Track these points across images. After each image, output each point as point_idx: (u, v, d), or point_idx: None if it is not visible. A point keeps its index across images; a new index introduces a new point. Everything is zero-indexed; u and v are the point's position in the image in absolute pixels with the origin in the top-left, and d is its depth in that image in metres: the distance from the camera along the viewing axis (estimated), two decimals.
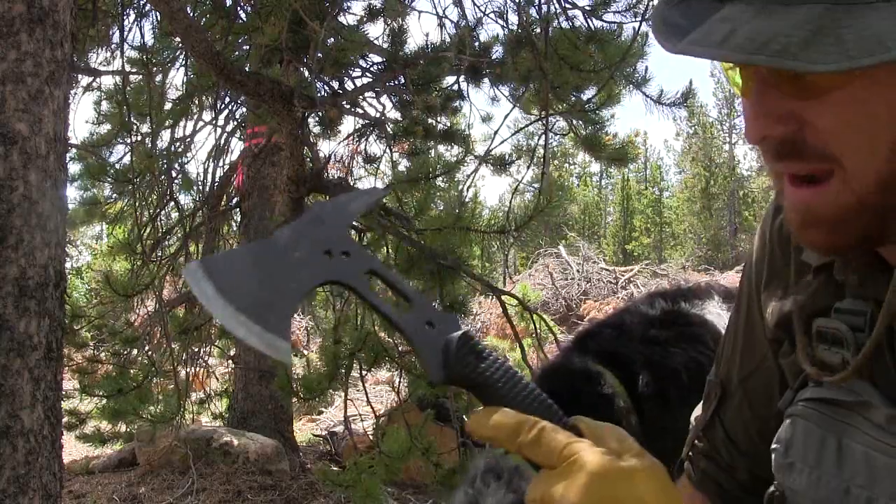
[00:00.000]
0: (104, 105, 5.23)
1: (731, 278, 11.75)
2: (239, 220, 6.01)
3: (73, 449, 5.52)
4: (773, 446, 0.75)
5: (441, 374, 0.62)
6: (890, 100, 0.57)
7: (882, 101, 0.57)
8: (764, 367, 0.85)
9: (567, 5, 3.91)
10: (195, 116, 5.15)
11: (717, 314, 1.93)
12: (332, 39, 3.89)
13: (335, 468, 5.34)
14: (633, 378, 1.69)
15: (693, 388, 1.79)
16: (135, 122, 4.73)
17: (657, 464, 0.63)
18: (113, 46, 4.64)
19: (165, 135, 5.10)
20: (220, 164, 5.46)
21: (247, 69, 3.95)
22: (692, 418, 0.98)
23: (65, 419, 4.13)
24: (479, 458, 1.19)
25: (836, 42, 0.50)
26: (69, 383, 4.61)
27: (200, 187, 5.25)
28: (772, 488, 0.74)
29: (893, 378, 0.67)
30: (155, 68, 4.77)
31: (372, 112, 4.64)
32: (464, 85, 4.29)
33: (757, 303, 0.86)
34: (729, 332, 0.94)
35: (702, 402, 0.96)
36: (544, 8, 3.89)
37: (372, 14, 4.45)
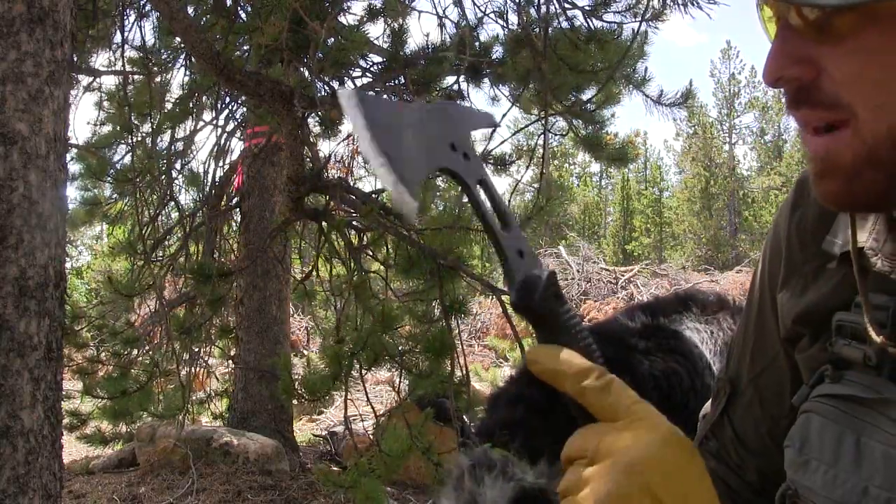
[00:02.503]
0: (105, 105, 5.23)
1: (731, 278, 11.76)
2: (239, 220, 6.01)
3: (73, 449, 5.52)
4: (787, 443, 0.73)
5: (525, 299, 0.63)
6: None
7: (892, 52, 0.57)
8: (776, 366, 0.85)
9: (567, 5, 3.91)
10: (195, 116, 5.15)
11: (694, 328, 1.96)
12: (332, 39, 3.89)
13: (335, 468, 5.34)
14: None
15: (668, 395, 1.82)
16: (135, 122, 4.73)
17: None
18: (114, 47, 4.64)
19: (166, 135, 5.11)
20: (221, 164, 5.47)
21: (247, 69, 3.95)
22: (700, 416, 0.97)
23: (65, 420, 4.13)
24: (461, 456, 1.15)
25: None
26: (69, 384, 4.61)
27: (200, 187, 5.25)
28: (784, 486, 0.72)
29: None
30: (155, 68, 4.77)
31: None
32: (464, 85, 4.29)
33: (771, 301, 0.85)
34: (740, 329, 0.92)
35: (710, 400, 0.95)
36: (544, 8, 3.89)
37: (372, 14, 4.45)
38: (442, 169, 0.64)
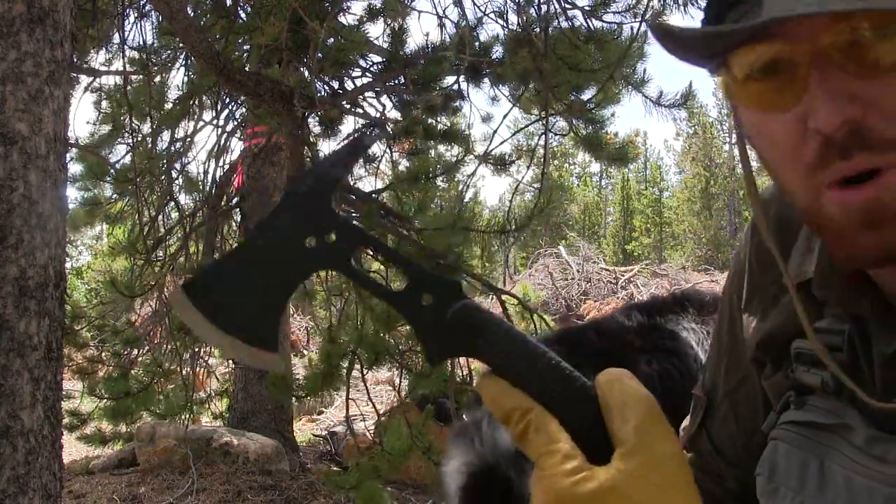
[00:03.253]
0: (104, 105, 5.23)
1: None
2: (239, 220, 6.01)
3: (73, 449, 5.52)
4: (758, 471, 0.74)
5: (436, 352, 0.59)
6: None
7: None
8: (749, 382, 0.84)
9: (567, 5, 3.91)
10: (195, 116, 5.15)
11: (691, 329, 1.96)
12: (332, 39, 3.89)
13: (336, 469, 5.34)
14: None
15: (662, 397, 1.83)
16: (135, 122, 4.73)
17: (658, 462, 0.53)
18: (113, 46, 4.65)
19: (166, 135, 5.10)
20: (221, 164, 5.47)
21: (247, 69, 3.95)
22: (680, 429, 0.97)
23: (65, 420, 4.13)
24: (467, 413, 1.16)
25: None
26: (70, 384, 4.61)
27: (200, 187, 5.25)
28: None
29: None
30: (155, 68, 4.77)
31: (372, 112, 4.65)
32: (464, 85, 4.29)
33: (739, 320, 0.85)
34: (713, 345, 0.92)
35: (690, 412, 0.96)
36: (544, 8, 3.89)
37: (372, 14, 4.45)
38: (306, 277, 0.61)
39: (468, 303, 0.59)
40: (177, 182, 5.09)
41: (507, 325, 0.59)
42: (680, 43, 0.58)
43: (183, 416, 4.04)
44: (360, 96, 4.58)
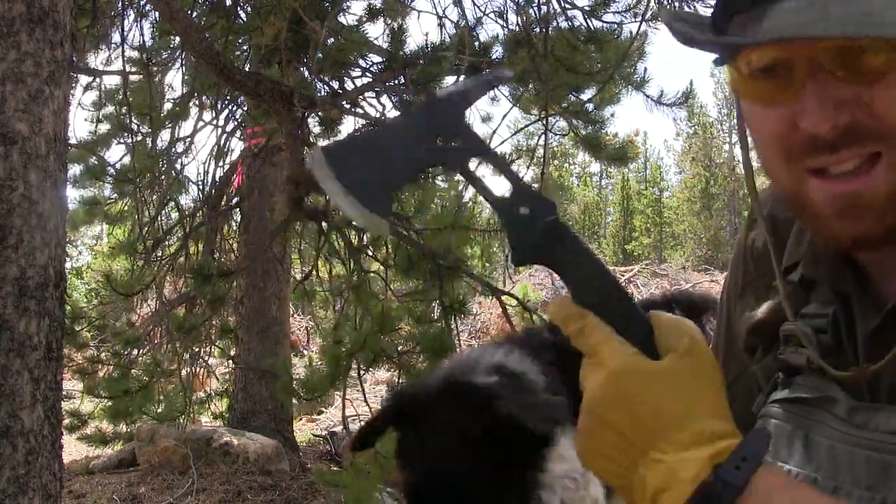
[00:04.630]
0: (104, 105, 5.23)
1: None
2: (239, 220, 6.01)
3: (73, 449, 5.51)
4: None
5: (520, 256, 0.66)
6: None
7: None
8: (746, 375, 0.88)
9: (566, 5, 3.91)
10: (195, 116, 5.15)
11: None
12: (332, 39, 3.89)
13: (335, 468, 5.34)
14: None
15: None
16: (135, 122, 4.73)
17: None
18: (113, 46, 4.64)
19: (165, 135, 5.11)
20: (220, 164, 5.47)
21: (247, 69, 3.95)
22: None
23: (66, 420, 4.13)
24: None
25: None
26: (69, 383, 4.61)
27: (200, 187, 5.25)
28: None
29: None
30: (155, 68, 4.77)
31: (372, 112, 4.64)
32: None
33: (734, 314, 0.90)
34: (715, 336, 0.96)
35: None
36: (544, 8, 3.89)
37: (372, 14, 4.45)
38: (428, 166, 0.69)
39: (559, 220, 0.66)
40: (176, 182, 5.09)
41: (587, 248, 0.67)
42: (690, 43, 0.66)
43: (181, 419, 4.03)
44: (360, 96, 4.58)
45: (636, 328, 0.65)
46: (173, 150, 5.03)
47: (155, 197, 5.08)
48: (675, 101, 4.29)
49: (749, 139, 0.74)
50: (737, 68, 0.67)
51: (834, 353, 0.72)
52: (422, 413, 1.49)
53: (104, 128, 5.16)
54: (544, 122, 3.80)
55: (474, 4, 4.32)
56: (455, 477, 1.46)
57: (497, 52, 4.23)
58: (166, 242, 5.36)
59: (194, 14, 4.32)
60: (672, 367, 0.62)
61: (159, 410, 3.97)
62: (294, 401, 5.07)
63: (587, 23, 3.96)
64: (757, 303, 0.84)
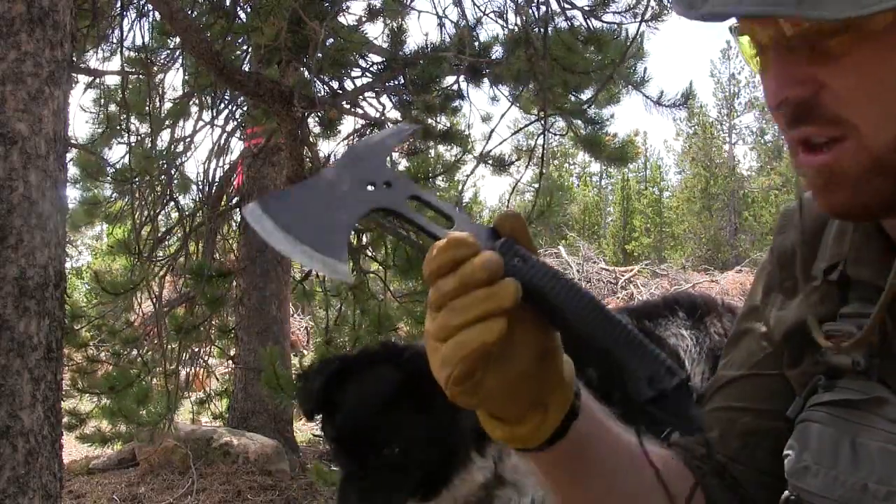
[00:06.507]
0: (103, 104, 5.22)
1: (731, 278, 11.75)
2: (239, 220, 6.00)
3: (73, 449, 5.52)
4: (786, 452, 0.76)
5: None
6: None
7: (892, 66, 0.60)
8: (741, 384, 0.87)
9: (566, 5, 3.91)
10: (195, 116, 5.15)
11: (679, 335, 1.95)
12: (332, 39, 3.89)
13: (335, 468, 5.34)
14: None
15: None
16: (134, 122, 4.72)
17: None
18: (112, 46, 4.64)
19: (165, 135, 5.10)
20: (220, 164, 5.47)
21: (247, 69, 3.95)
22: None
23: (65, 419, 4.13)
24: None
25: None
26: (69, 383, 4.60)
27: (200, 187, 5.25)
28: (786, 493, 0.75)
29: None
30: (154, 68, 4.77)
31: (372, 112, 4.64)
32: (463, 85, 4.29)
33: (755, 315, 0.88)
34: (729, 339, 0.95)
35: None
36: (543, 8, 3.89)
37: (372, 14, 4.45)
38: (369, 211, 0.67)
39: (510, 241, 0.63)
40: (176, 182, 5.09)
41: (542, 263, 0.64)
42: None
43: (162, 424, 4.03)
44: (360, 96, 4.58)
45: None
46: (173, 149, 5.03)
47: (154, 196, 5.07)
48: (674, 103, 4.29)
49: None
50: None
51: (880, 353, 0.70)
52: (352, 369, 1.63)
53: (104, 128, 5.16)
54: (543, 122, 3.80)
55: (474, 4, 4.32)
56: (371, 419, 1.60)
57: (497, 52, 4.23)
58: (166, 242, 5.36)
59: (194, 14, 4.32)
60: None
61: (154, 411, 3.96)
62: (293, 402, 5.06)
63: (587, 23, 3.96)
64: (783, 305, 0.83)
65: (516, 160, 4.37)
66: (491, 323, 0.57)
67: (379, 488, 1.56)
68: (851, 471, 0.68)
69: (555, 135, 4.51)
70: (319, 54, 3.61)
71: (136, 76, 4.81)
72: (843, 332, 0.72)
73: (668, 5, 3.81)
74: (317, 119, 3.91)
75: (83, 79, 4.85)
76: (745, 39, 0.69)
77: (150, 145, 4.70)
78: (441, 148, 4.39)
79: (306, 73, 4.18)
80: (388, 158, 0.71)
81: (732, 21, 0.68)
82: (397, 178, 0.68)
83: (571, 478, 0.70)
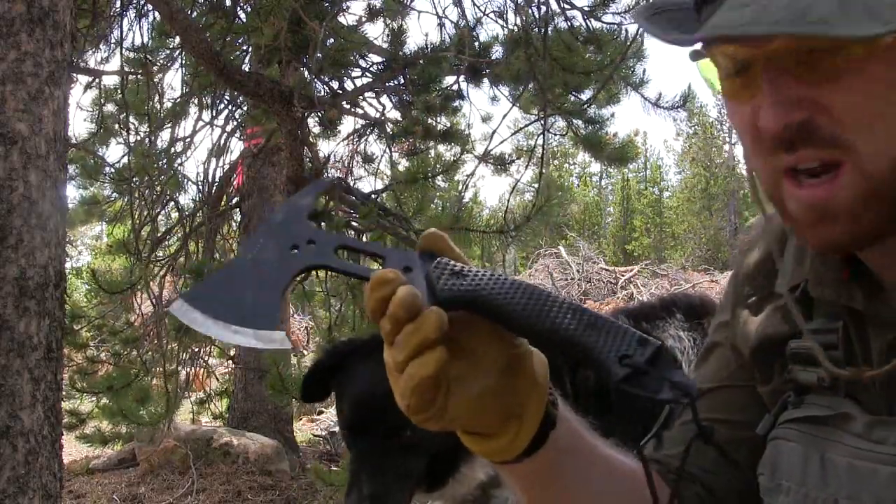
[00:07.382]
0: (102, 104, 5.22)
1: None
2: (239, 220, 6.01)
3: (73, 449, 5.52)
4: (760, 471, 0.76)
5: (430, 303, 0.62)
6: None
7: (894, 84, 0.58)
8: (730, 388, 0.86)
9: (566, 6, 3.91)
10: (194, 116, 5.15)
11: (677, 336, 1.95)
12: (332, 39, 3.89)
13: (335, 468, 5.34)
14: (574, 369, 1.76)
15: None
16: (133, 122, 4.72)
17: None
18: (112, 46, 4.64)
19: (165, 134, 5.10)
20: (220, 164, 5.47)
21: (247, 69, 3.95)
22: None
23: (65, 419, 4.13)
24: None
25: (866, 10, 0.52)
26: (68, 383, 4.60)
27: (200, 187, 5.25)
28: None
29: (872, 390, 0.68)
30: (154, 68, 4.77)
31: (372, 112, 4.64)
32: (463, 85, 4.29)
33: (726, 330, 0.88)
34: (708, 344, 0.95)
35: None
36: (543, 8, 3.89)
37: (372, 14, 4.45)
38: (297, 273, 0.68)
39: (443, 260, 0.63)
40: (175, 181, 5.08)
41: (486, 273, 0.63)
42: (659, 38, 0.64)
43: (160, 425, 4.03)
44: (360, 96, 4.59)
45: None
46: (172, 149, 5.03)
47: (153, 196, 5.07)
48: (673, 105, 4.29)
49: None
50: (715, 63, 0.65)
51: (846, 370, 0.69)
52: (366, 351, 1.64)
53: (104, 128, 5.16)
54: (542, 122, 3.81)
55: (474, 4, 4.32)
56: (381, 400, 1.56)
57: (497, 52, 4.23)
58: (166, 242, 5.36)
59: (194, 14, 4.32)
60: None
61: (154, 411, 3.96)
62: (294, 401, 5.06)
63: (586, 23, 3.96)
64: (751, 319, 0.82)
65: (516, 160, 4.37)
66: (426, 356, 0.57)
67: (390, 470, 1.56)
68: (821, 487, 0.68)
69: (555, 135, 4.51)
70: (319, 54, 3.62)
71: (135, 76, 4.81)
72: (808, 351, 0.71)
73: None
74: (317, 119, 3.91)
75: (83, 79, 4.85)
76: (706, 61, 0.65)
77: (149, 145, 4.70)
78: (441, 148, 4.39)
79: (306, 73, 4.19)
80: (305, 217, 0.70)
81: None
82: (319, 233, 0.68)
83: (551, 492, 0.70)
